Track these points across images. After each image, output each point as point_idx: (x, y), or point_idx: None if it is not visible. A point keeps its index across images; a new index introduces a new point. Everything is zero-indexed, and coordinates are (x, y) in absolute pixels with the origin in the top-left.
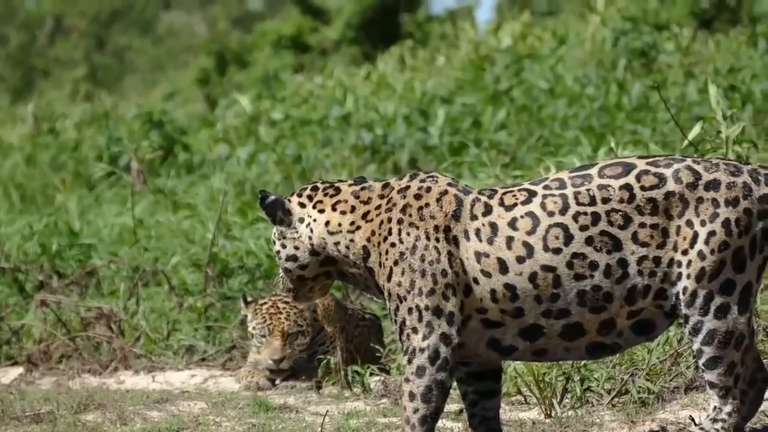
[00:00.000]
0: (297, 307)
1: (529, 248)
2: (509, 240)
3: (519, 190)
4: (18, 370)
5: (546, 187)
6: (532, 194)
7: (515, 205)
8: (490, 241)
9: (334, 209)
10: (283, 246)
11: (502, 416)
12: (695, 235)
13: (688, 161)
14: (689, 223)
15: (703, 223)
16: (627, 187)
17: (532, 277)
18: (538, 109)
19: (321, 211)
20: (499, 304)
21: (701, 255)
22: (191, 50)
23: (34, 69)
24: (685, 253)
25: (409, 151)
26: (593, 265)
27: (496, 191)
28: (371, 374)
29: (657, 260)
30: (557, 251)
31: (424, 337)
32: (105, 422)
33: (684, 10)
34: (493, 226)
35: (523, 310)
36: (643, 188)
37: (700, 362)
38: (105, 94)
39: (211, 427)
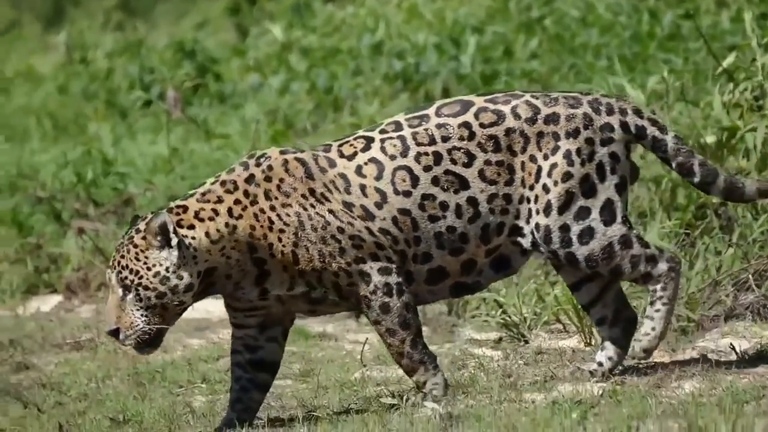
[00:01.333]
0: None
1: (382, 194)
2: (362, 187)
3: (355, 139)
4: (57, 298)
5: (382, 131)
6: (369, 140)
7: (356, 153)
8: (348, 191)
9: (201, 220)
10: (180, 277)
11: (542, 345)
12: (539, 170)
13: (527, 96)
14: (533, 158)
15: (545, 157)
16: (466, 124)
17: (395, 221)
18: (570, 37)
19: (191, 227)
20: (385, 252)
21: (545, 188)
22: None
23: None
24: (531, 188)
25: (441, 80)
26: (444, 206)
27: (330, 145)
28: None
29: (507, 197)
30: (407, 194)
31: (367, 282)
32: None
33: None
34: (344, 177)
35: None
36: (482, 125)
37: (619, 278)
38: (139, 23)
39: None
